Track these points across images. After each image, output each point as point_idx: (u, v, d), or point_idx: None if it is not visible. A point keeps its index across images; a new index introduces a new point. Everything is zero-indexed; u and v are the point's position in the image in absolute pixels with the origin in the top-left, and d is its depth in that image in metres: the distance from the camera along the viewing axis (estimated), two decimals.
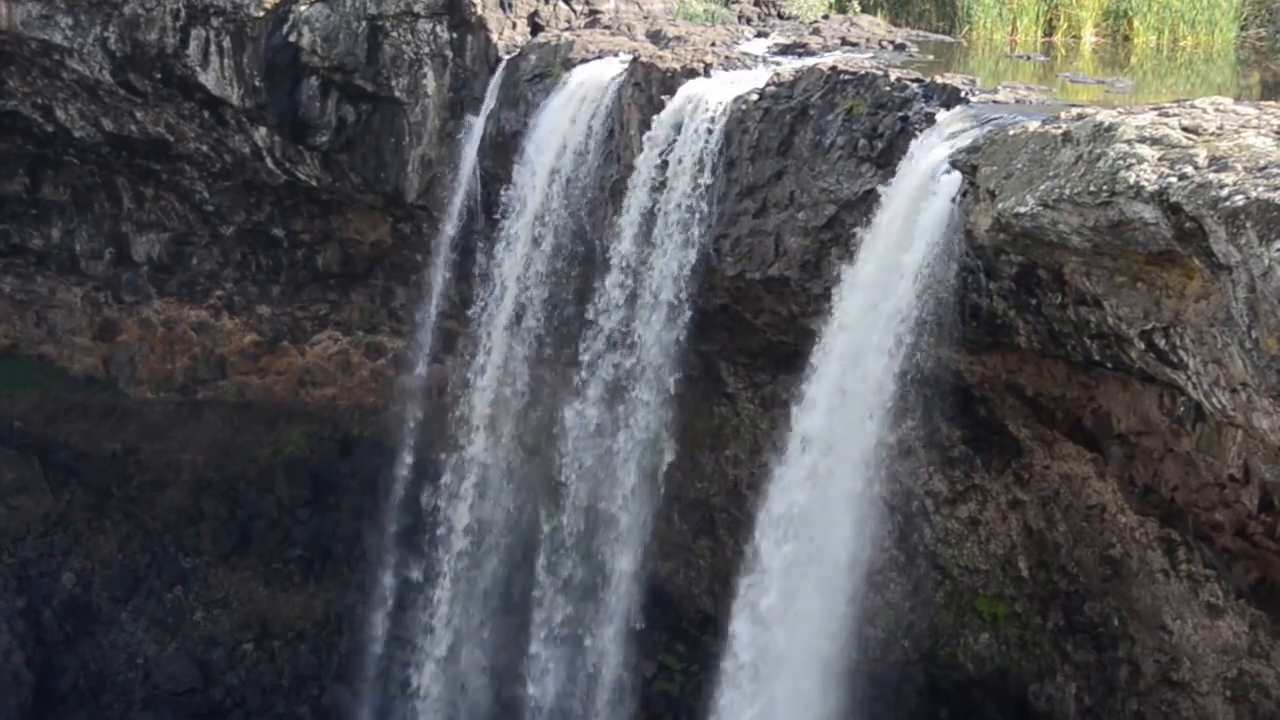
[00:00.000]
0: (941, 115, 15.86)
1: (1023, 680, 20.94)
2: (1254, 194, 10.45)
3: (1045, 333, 15.14)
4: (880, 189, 16.01)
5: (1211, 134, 11.90)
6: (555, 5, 23.76)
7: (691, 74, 19.27)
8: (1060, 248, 12.80)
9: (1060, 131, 12.83)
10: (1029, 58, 23.32)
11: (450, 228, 23.90)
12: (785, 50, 21.44)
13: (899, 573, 21.92)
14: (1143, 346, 13.07)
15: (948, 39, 25.32)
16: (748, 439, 24.38)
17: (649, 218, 19.13)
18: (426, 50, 23.61)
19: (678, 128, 18.75)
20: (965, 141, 14.59)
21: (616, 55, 21.32)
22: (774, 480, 17.77)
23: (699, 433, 24.43)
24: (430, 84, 23.73)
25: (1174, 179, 11.20)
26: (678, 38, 21.88)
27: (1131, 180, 11.49)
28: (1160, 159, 11.55)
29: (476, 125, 23.11)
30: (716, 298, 19.92)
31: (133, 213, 31.08)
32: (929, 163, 15.20)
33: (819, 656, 17.55)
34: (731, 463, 24.92)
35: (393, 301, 30.38)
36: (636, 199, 19.23)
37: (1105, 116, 12.47)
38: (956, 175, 14.45)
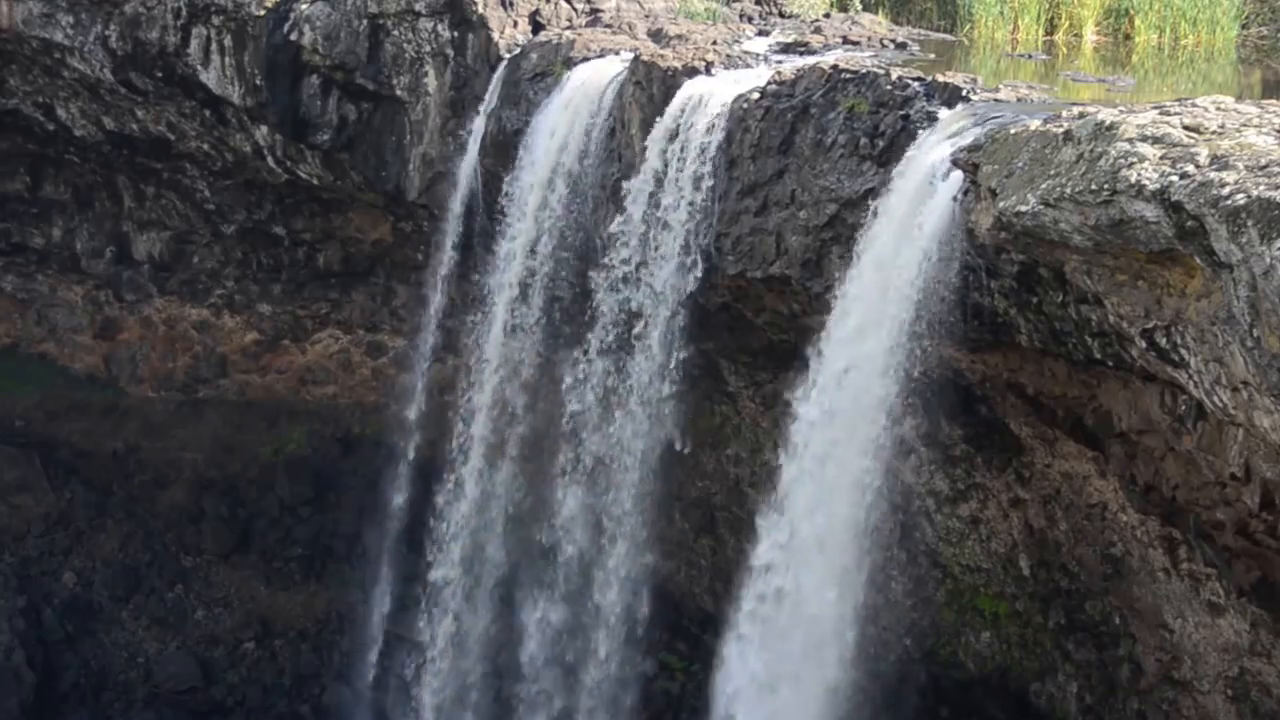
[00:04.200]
0: (943, 114, 15.84)
1: (1024, 679, 20.94)
2: (1255, 192, 10.45)
3: (1046, 331, 15.12)
4: (881, 188, 16.00)
5: (1213, 132, 11.89)
6: (556, 4, 23.77)
7: (693, 72, 19.24)
8: (1061, 246, 12.79)
9: (1061, 130, 12.82)
10: (1030, 56, 23.29)
11: (451, 226, 23.90)
12: (786, 49, 21.44)
13: (900, 571, 21.91)
14: (1144, 345, 13.06)
15: (949, 37, 25.31)
16: (749, 438, 24.37)
17: (650, 216, 19.12)
18: (427, 49, 23.62)
19: (679, 126, 18.73)
20: (967, 140, 14.56)
21: (618, 54, 21.31)
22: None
23: (700, 431, 24.41)
24: (431, 82, 23.73)
25: (1175, 177, 11.19)
26: (679, 36, 21.88)
27: (1133, 179, 11.48)
28: (1161, 157, 11.54)
29: (478, 124, 23.12)
30: (717, 296, 19.89)
31: (134, 211, 31.07)
32: (930, 161, 15.18)
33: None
34: (733, 461, 24.91)
35: (394, 300, 30.38)
36: (638, 198, 19.22)
37: (1106, 115, 12.45)
38: (958, 174, 14.44)
